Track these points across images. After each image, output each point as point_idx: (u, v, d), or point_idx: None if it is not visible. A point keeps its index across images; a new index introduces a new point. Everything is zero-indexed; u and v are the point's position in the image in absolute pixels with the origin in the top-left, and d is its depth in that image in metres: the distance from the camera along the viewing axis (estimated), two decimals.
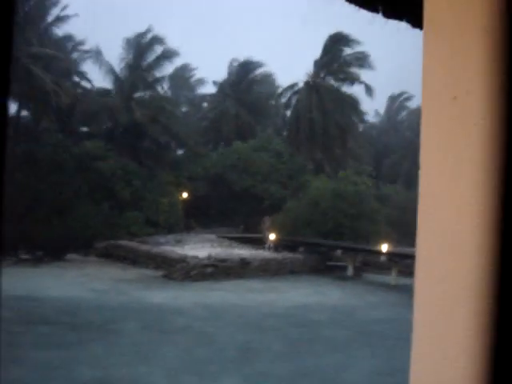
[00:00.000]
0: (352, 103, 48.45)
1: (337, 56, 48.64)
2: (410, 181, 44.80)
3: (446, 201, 1.37)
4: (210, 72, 56.69)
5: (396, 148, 57.30)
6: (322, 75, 49.16)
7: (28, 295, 21.57)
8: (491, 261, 1.30)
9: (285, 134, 52.20)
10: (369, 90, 48.38)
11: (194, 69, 61.43)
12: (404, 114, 64.45)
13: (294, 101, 50.18)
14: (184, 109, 56.45)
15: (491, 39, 1.30)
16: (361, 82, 48.37)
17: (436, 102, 1.37)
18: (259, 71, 55.04)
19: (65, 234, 33.51)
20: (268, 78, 56.96)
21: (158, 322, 19.89)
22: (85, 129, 44.29)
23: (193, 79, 62.08)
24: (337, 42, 48.37)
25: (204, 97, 58.93)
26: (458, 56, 1.34)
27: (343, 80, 49.16)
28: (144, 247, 34.61)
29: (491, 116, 1.30)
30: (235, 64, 54.01)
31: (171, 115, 45.16)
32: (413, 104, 61.16)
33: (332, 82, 49.25)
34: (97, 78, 44.83)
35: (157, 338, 17.59)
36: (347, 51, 48.62)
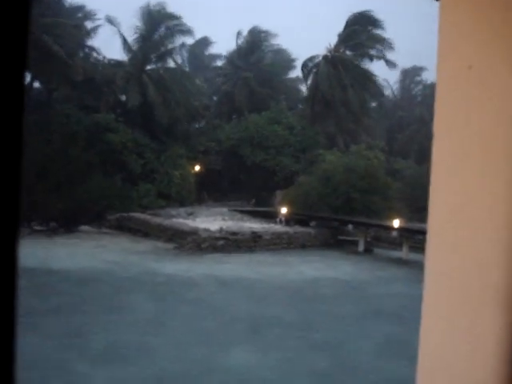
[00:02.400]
0: (369, 78, 48.13)
1: (358, 33, 48.27)
2: (423, 156, 44.53)
3: (459, 174, 1.35)
4: (226, 45, 56.34)
5: (409, 122, 56.88)
6: (341, 50, 48.79)
7: (42, 266, 21.82)
8: (504, 234, 1.27)
9: (299, 107, 51.89)
10: (391, 65, 48.17)
11: (212, 42, 61.09)
12: (419, 88, 63.92)
13: (311, 74, 49.77)
14: (199, 82, 56.24)
15: (509, 7, 1.26)
16: (380, 58, 48.04)
17: (451, 71, 1.34)
18: (272, 43, 54.75)
19: (77, 206, 33.73)
20: (281, 51, 56.57)
21: (170, 293, 20.08)
22: (97, 101, 44.22)
23: (209, 52, 61.77)
24: (359, 20, 48.03)
25: (218, 69, 58.66)
26: (474, 25, 1.30)
27: (362, 55, 48.81)
28: (156, 220, 34.81)
29: (507, 86, 1.26)
30: (246, 36, 53.64)
31: (184, 88, 44.98)
32: (426, 78, 60.80)
33: (351, 57, 48.87)
34: (109, 50, 44.76)
35: (168, 309, 17.78)
36: (368, 29, 48.30)
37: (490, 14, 1.28)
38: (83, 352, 13.32)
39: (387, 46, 47.75)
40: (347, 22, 48.26)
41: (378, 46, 48.24)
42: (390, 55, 48.32)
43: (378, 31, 48.21)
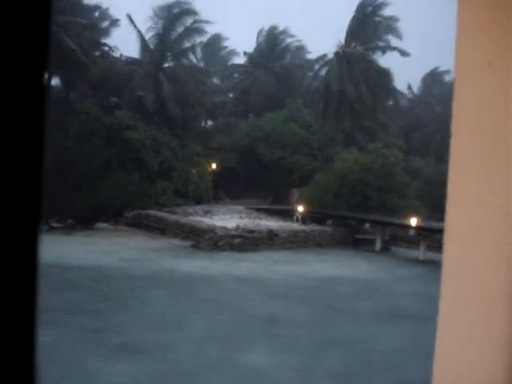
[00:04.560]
0: (384, 74, 47.80)
1: (367, 24, 47.86)
2: (441, 154, 44.23)
3: (477, 173, 1.34)
4: (242, 43, 56.46)
5: (428, 121, 56.50)
6: (352, 45, 48.49)
7: (59, 263, 21.98)
8: None
9: (314, 105, 51.81)
10: (403, 54, 47.61)
11: (226, 39, 61.26)
12: (438, 86, 63.48)
13: (323, 72, 49.68)
14: (216, 80, 56.36)
15: None
16: (393, 49, 47.66)
17: (470, 68, 1.32)
18: (289, 42, 54.79)
19: (95, 203, 33.95)
20: (298, 49, 56.57)
21: (187, 290, 20.15)
22: (114, 99, 44.50)
23: (225, 50, 61.91)
24: (366, 10, 47.62)
25: (235, 67, 58.79)
26: (493, 20, 1.29)
27: (374, 49, 48.47)
28: (173, 217, 34.93)
29: None
30: (265, 34, 53.71)
31: (201, 86, 45.09)
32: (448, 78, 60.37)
33: (363, 51, 48.52)
34: (126, 48, 45.05)
35: (185, 307, 17.84)
36: (377, 18, 47.90)
37: (509, 9, 1.27)
38: (100, 348, 13.42)
39: (396, 34, 47.38)
40: (354, 14, 47.90)
41: (388, 36, 47.79)
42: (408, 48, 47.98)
43: (387, 19, 47.71)
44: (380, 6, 47.44)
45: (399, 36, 47.47)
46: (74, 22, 38.53)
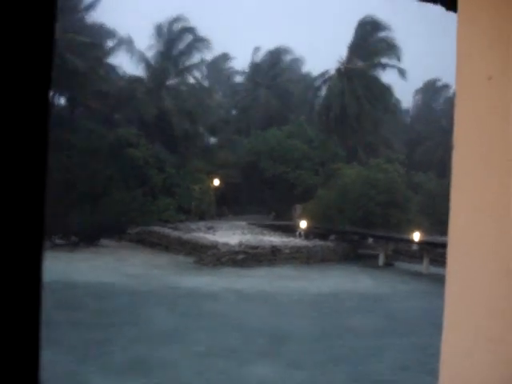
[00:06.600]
0: (385, 90, 47.96)
1: (368, 41, 48.11)
2: (443, 169, 44.20)
3: (479, 186, 1.34)
4: (246, 61, 56.71)
5: (429, 135, 56.49)
6: (353, 61, 48.69)
7: (63, 280, 21.93)
8: None
9: (316, 121, 51.91)
10: (402, 73, 47.81)
11: (231, 58, 61.61)
12: (439, 100, 63.48)
13: (325, 88, 49.87)
14: (219, 97, 56.53)
15: None
16: (393, 67, 47.89)
17: (470, 82, 1.33)
18: (288, 59, 55.10)
19: (99, 220, 33.93)
20: (298, 65, 56.87)
21: (191, 306, 20.07)
22: (117, 116, 44.62)
23: (230, 68, 62.27)
24: (368, 27, 47.86)
25: (237, 85, 59.13)
26: (493, 36, 1.30)
27: (375, 66, 48.67)
28: (176, 233, 34.90)
29: None
30: (263, 53, 54.15)
31: (203, 103, 45.24)
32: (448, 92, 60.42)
33: (364, 68, 48.72)
34: (128, 66, 45.23)
35: (189, 323, 17.76)
36: (378, 36, 48.15)
37: (508, 24, 1.28)
38: (105, 365, 13.34)
39: (397, 51, 47.56)
40: (356, 30, 48.14)
41: (389, 53, 47.95)
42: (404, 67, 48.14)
43: (388, 36, 47.94)
44: (380, 24, 47.69)
45: (398, 55, 47.62)
46: (79, 40, 38.72)
